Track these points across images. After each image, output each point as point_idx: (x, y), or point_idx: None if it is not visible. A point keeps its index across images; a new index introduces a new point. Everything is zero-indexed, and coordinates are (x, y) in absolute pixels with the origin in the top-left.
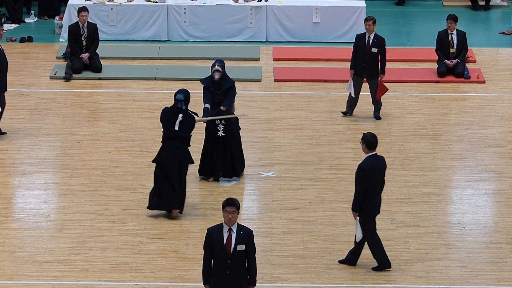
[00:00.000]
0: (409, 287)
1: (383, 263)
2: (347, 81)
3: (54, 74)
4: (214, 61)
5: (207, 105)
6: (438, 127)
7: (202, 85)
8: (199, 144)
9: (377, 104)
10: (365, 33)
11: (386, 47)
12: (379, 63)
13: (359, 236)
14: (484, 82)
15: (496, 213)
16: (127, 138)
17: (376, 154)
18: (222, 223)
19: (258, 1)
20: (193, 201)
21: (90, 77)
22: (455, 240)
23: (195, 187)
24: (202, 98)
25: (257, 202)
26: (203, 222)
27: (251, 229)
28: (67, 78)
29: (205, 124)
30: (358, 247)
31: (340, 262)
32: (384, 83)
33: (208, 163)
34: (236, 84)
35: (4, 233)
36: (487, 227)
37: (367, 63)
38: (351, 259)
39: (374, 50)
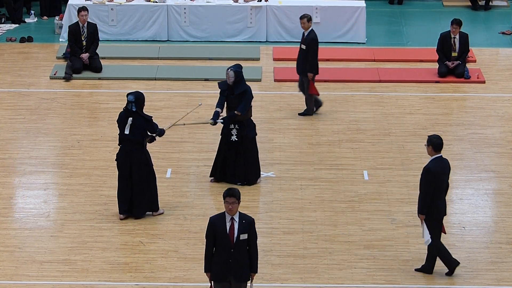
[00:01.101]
0: (409, 287)
1: (450, 264)
2: (347, 81)
3: (54, 74)
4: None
5: (218, 109)
6: (438, 127)
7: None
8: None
9: (309, 102)
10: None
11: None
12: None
13: (427, 239)
14: (484, 82)
15: (496, 213)
16: None
17: (441, 156)
18: (224, 212)
19: (258, 1)
20: (193, 201)
21: (90, 77)
22: (455, 240)
23: (195, 187)
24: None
25: (257, 202)
26: (203, 222)
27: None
28: (67, 78)
29: (221, 126)
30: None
31: (417, 270)
32: (314, 84)
33: (218, 165)
34: None
35: (4, 233)
36: (487, 227)
37: (298, 59)
38: (428, 267)
39: (303, 46)
